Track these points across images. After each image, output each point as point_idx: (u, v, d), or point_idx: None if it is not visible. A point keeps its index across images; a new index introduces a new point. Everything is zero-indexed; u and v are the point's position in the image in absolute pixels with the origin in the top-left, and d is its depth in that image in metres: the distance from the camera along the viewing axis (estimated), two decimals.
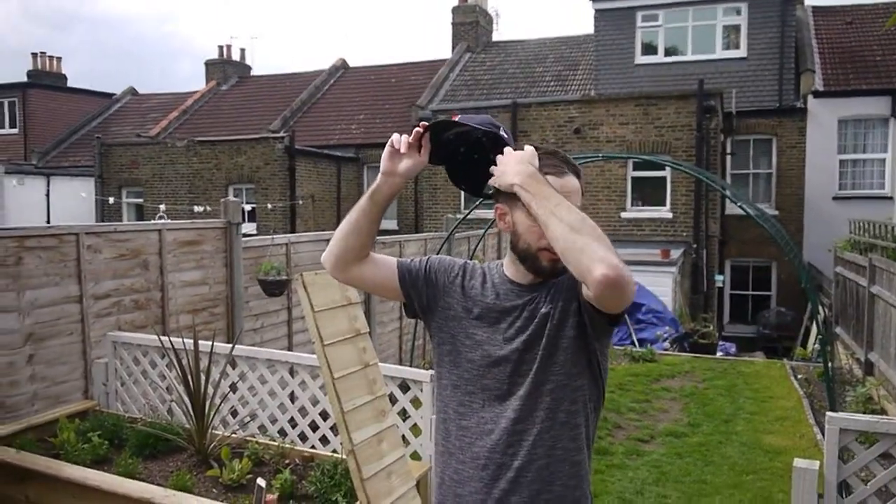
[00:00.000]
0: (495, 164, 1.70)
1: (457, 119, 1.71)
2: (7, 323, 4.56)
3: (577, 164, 1.78)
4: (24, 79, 25.79)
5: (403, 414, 3.89)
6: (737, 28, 15.67)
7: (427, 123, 1.72)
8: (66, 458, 3.61)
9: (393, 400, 3.74)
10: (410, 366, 7.13)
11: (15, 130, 24.90)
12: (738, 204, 5.68)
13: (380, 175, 1.77)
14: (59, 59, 27.09)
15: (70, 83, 27.06)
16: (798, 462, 2.91)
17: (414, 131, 1.71)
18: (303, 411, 4.09)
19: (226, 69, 24.79)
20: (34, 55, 26.40)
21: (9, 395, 4.55)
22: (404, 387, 3.89)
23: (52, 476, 3.40)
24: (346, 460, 2.92)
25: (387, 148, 1.73)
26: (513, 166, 1.64)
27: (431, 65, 21.19)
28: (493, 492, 1.73)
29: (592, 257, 1.46)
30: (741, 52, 15.61)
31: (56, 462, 3.53)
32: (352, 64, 23.75)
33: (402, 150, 1.72)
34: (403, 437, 3.66)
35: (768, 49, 15.45)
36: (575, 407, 1.74)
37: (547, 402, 1.72)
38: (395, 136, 1.73)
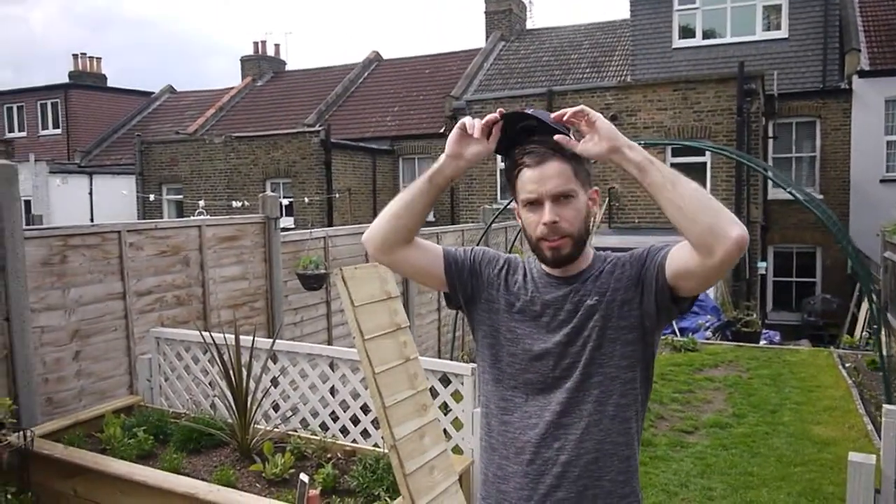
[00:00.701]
0: None
1: (530, 112, 1.67)
2: (53, 320, 4.66)
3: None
4: (66, 79, 26.35)
5: (445, 408, 3.86)
6: (777, 8, 15.25)
7: (504, 112, 1.67)
8: (112, 454, 3.66)
9: (434, 394, 3.71)
10: (451, 358, 7.12)
11: (58, 131, 25.49)
12: (788, 189, 5.50)
13: (444, 157, 1.70)
14: (98, 59, 27.62)
15: (109, 83, 27.57)
16: (853, 456, 2.81)
17: (488, 117, 1.65)
18: (344, 405, 4.08)
19: (261, 65, 25.02)
20: (75, 56, 26.98)
21: (57, 391, 4.65)
22: (445, 380, 3.86)
23: (99, 471, 3.45)
24: (389, 455, 2.91)
25: (456, 130, 1.67)
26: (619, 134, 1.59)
27: (465, 54, 21.10)
28: (538, 487, 1.69)
29: (728, 219, 1.47)
30: (782, 32, 15.19)
31: (103, 457, 3.58)
32: (385, 56, 23.76)
33: (476, 136, 1.65)
34: (445, 431, 3.64)
35: (811, 29, 15.01)
36: (625, 400, 1.70)
37: (595, 395, 1.68)
38: (468, 119, 1.67)
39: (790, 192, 5.62)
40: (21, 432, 3.45)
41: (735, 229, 1.45)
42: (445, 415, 3.83)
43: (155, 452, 3.77)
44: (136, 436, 3.79)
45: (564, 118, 1.60)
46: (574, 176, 1.67)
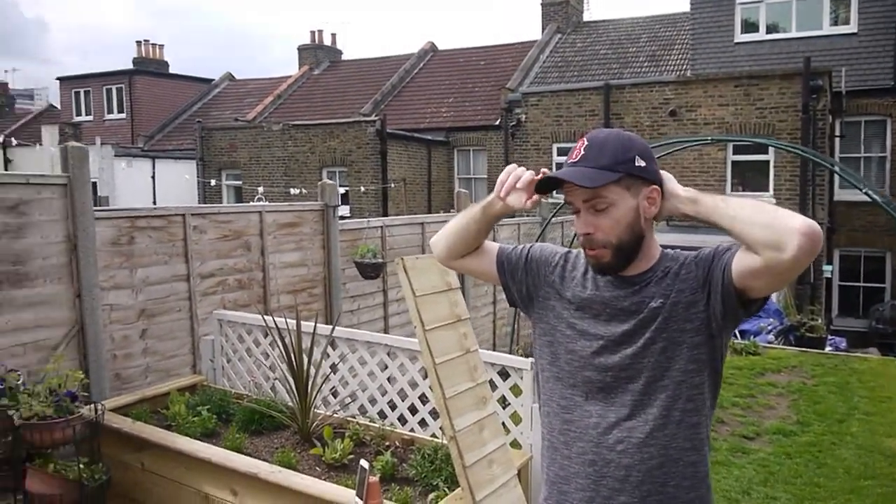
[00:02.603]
0: None
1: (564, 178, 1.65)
2: (121, 298, 4.78)
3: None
4: (130, 66, 27.04)
5: (503, 401, 3.83)
6: (846, 2, 14.70)
7: (545, 175, 1.68)
8: (177, 430, 3.74)
9: (492, 387, 3.69)
10: (508, 352, 7.08)
11: (123, 115, 26.20)
12: (864, 190, 5.28)
13: (493, 194, 1.74)
14: (161, 46, 28.27)
15: (170, 70, 28.21)
16: None
17: (529, 176, 1.68)
18: (402, 394, 4.09)
19: (317, 54, 25.25)
20: (138, 43, 27.66)
21: (125, 367, 4.78)
22: (504, 374, 3.82)
23: (165, 446, 3.53)
24: (448, 446, 2.89)
25: (504, 174, 1.70)
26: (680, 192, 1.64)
27: (521, 46, 20.92)
28: (600, 490, 1.65)
29: (786, 213, 1.43)
30: (851, 27, 14.64)
31: (169, 433, 3.66)
32: (440, 47, 23.72)
33: (512, 201, 1.70)
34: (504, 425, 3.61)
35: (881, 23, 14.41)
36: (692, 405, 1.63)
37: (661, 399, 1.62)
38: (514, 171, 1.70)
39: (866, 193, 5.39)
40: (92, 405, 3.55)
41: (796, 219, 1.40)
42: (504, 409, 3.80)
43: (218, 431, 3.84)
44: (199, 414, 3.87)
45: None
46: (613, 183, 1.60)
